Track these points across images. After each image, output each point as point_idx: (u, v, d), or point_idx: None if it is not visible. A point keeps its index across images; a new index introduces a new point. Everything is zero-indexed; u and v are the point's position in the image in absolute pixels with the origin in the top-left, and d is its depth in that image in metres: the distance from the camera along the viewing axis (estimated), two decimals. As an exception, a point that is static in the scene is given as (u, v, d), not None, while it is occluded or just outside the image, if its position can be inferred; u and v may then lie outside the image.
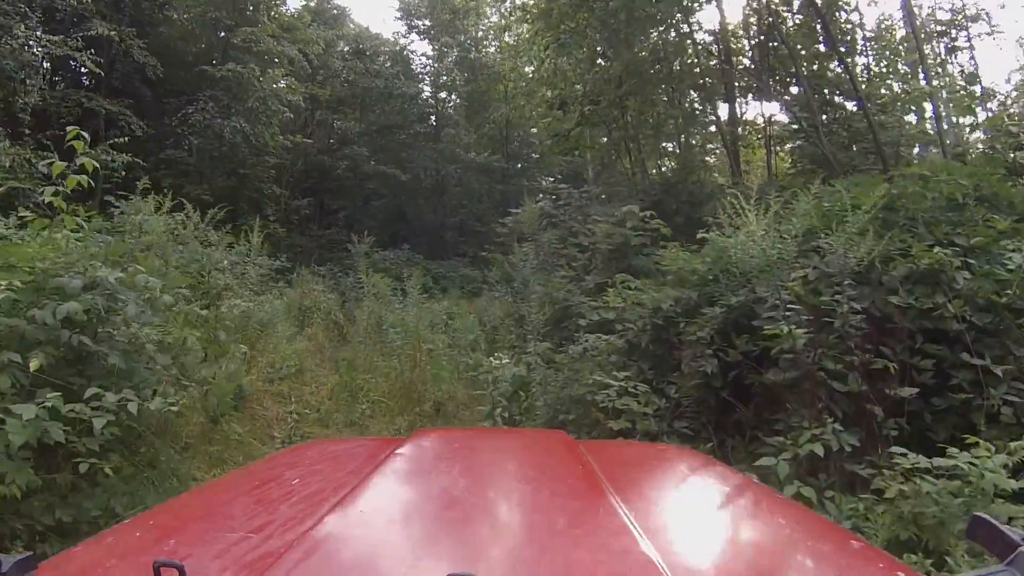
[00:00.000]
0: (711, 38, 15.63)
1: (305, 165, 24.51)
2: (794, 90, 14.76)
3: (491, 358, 7.60)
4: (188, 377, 5.42)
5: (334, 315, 13.83)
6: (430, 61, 29.29)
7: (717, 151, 18.53)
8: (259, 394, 8.44)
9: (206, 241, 10.55)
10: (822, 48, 14.66)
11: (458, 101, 29.52)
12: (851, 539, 1.65)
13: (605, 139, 17.49)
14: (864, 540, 1.69)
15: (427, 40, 29.07)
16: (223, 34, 19.52)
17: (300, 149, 23.73)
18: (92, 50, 14.85)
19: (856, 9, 15.36)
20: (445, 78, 29.13)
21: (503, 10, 28.84)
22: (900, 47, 15.70)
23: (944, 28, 14.78)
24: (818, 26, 13.41)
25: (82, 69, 17.04)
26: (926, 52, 14.95)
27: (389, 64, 28.30)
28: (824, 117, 13.52)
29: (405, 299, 11.55)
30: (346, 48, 27.20)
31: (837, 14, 14.16)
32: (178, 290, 5.56)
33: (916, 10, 15.32)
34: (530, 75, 25.44)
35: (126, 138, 12.04)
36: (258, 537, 1.41)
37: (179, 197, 11.86)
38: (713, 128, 17.47)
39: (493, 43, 29.81)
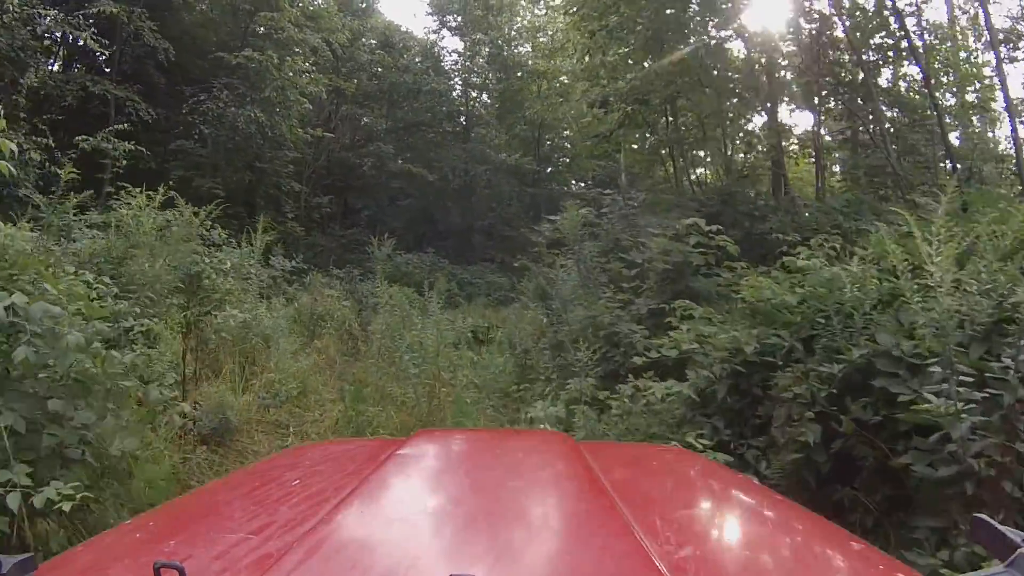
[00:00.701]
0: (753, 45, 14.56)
1: (328, 161, 23.76)
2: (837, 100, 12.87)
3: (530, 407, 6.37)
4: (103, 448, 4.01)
5: (349, 324, 12.70)
6: (461, 58, 28.47)
7: (756, 161, 16.73)
8: (251, 424, 7.41)
9: (208, 240, 9.97)
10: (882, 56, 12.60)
11: (489, 100, 28.81)
12: (851, 540, 1.59)
13: (646, 142, 15.67)
14: (865, 541, 1.60)
15: (458, 36, 28.24)
16: (244, 22, 17.49)
17: (323, 144, 22.94)
18: (95, 30, 14.37)
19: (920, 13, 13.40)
20: (477, 78, 28.49)
21: (536, 11, 29.05)
22: (964, 54, 13.97)
23: (1006, 35, 13.00)
24: (893, 24, 11.58)
25: (97, 53, 16.36)
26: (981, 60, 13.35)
27: (419, 60, 27.50)
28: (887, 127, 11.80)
29: (425, 314, 10.31)
30: (373, 41, 26.35)
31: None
32: (96, 324, 4.14)
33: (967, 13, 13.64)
34: (566, 73, 25.21)
35: (127, 124, 11.88)
36: (258, 538, 1.39)
37: (187, 190, 11.76)
38: (759, 135, 15.29)
39: (526, 44, 29.27)
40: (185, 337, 7.68)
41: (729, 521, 1.79)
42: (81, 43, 14.47)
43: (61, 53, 16.38)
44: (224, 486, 2.09)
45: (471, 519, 1.57)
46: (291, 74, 17.99)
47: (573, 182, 29.75)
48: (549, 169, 28.96)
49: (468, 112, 28.41)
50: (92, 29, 13.65)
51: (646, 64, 13.79)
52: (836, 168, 16.52)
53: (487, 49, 27.24)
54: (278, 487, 1.88)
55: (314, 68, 19.96)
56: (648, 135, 15.59)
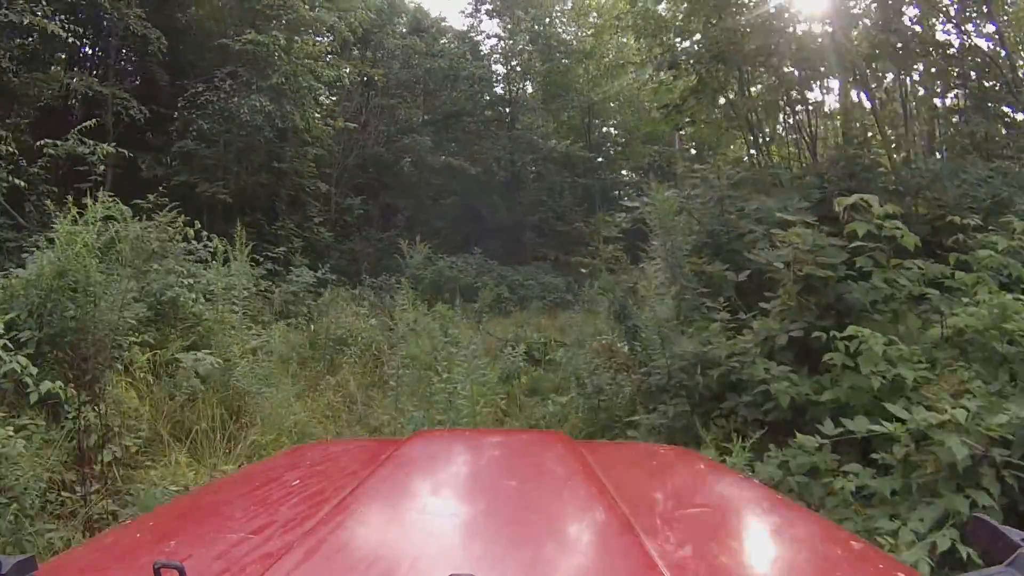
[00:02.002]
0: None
1: (360, 159, 22.23)
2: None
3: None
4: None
5: (376, 348, 10.58)
6: (501, 40, 26.93)
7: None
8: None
9: (196, 254, 8.93)
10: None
11: (532, 86, 27.35)
12: (851, 539, 1.64)
13: (718, 112, 12.86)
14: (864, 540, 1.70)
15: (496, 18, 26.80)
16: (248, 3, 15.83)
17: (353, 140, 21.73)
18: (64, 17, 13.29)
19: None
20: (517, 62, 26.93)
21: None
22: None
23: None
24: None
25: (87, 50, 15.84)
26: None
27: (455, 44, 26.18)
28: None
29: (457, 344, 8.68)
30: (403, 28, 24.98)
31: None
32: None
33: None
34: (615, 52, 24.67)
35: (95, 122, 10.22)
36: (258, 538, 1.42)
37: (188, 197, 10.55)
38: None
39: (572, 24, 27.69)
40: (150, 387, 6.55)
41: (729, 520, 1.76)
42: (71, 41, 12.99)
43: (43, 51, 14.10)
44: (224, 486, 2.13)
45: (471, 519, 1.59)
46: (303, 57, 15.23)
47: (624, 172, 28.73)
48: (599, 158, 27.42)
49: (511, 98, 26.93)
50: (63, 16, 12.85)
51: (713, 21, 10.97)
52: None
53: (529, 25, 25.79)
54: (278, 487, 1.86)
55: (333, 51, 17.31)
56: (722, 102, 12.62)
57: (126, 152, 11.07)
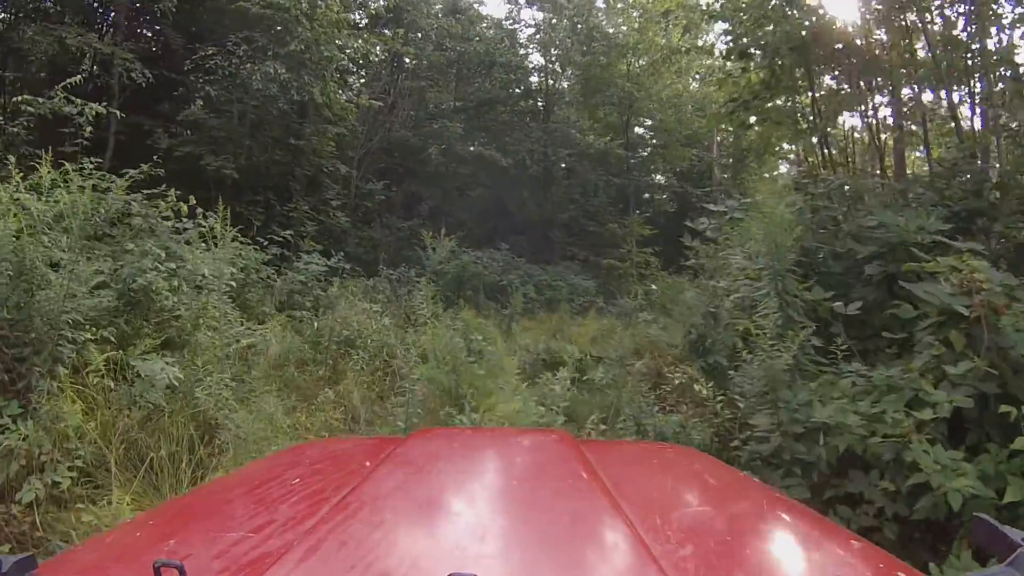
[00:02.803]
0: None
1: (385, 142, 20.17)
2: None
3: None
4: None
5: (387, 353, 9.26)
6: (539, 31, 25.73)
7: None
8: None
9: (183, 235, 7.81)
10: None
11: (570, 78, 26.16)
12: (851, 539, 1.65)
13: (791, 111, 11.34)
14: (865, 540, 1.65)
15: (536, 7, 25.56)
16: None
17: (378, 122, 20.54)
18: None
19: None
20: (556, 53, 25.52)
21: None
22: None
23: None
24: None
25: (99, 10, 14.64)
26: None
27: (492, 30, 25.06)
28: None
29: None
30: (438, 9, 23.66)
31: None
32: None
33: None
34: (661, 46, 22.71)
35: (80, 79, 8.92)
36: (258, 537, 1.43)
37: (190, 171, 11.36)
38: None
39: (615, 18, 26.12)
40: (107, 397, 5.34)
41: (730, 519, 1.76)
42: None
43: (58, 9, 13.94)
44: (224, 485, 2.15)
45: (471, 518, 1.60)
46: (327, 25, 13.74)
47: (659, 176, 28.07)
48: (633, 158, 26.25)
49: (547, 90, 25.89)
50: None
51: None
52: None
53: (570, 15, 24.63)
54: (278, 486, 1.86)
55: (360, 26, 15.89)
56: (793, 101, 11.06)
57: (121, 116, 10.35)
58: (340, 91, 17.00)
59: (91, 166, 6.78)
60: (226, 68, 14.11)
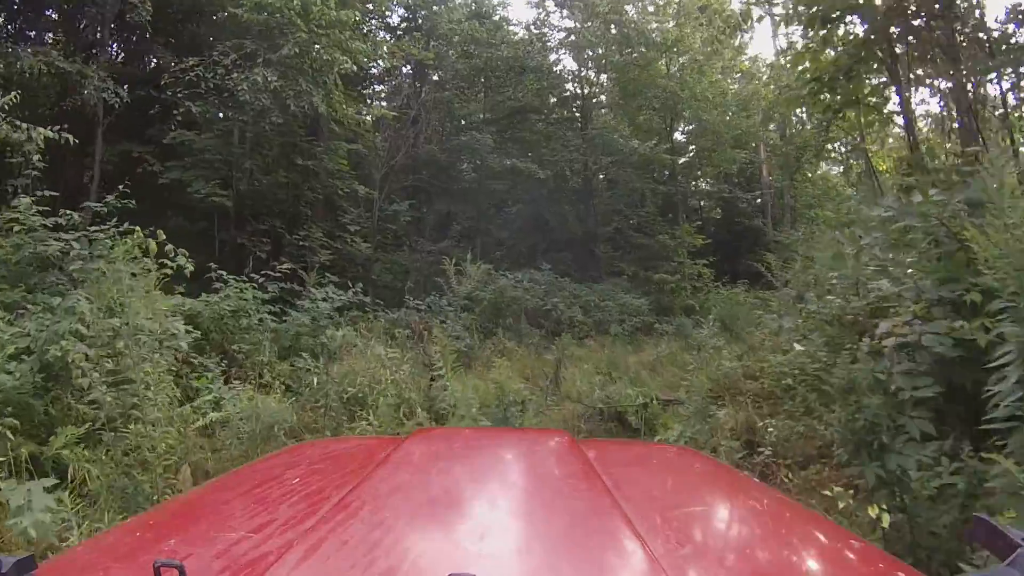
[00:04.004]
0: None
1: (409, 158, 19.46)
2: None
3: None
4: None
5: (403, 413, 7.51)
6: (572, 35, 23.52)
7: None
8: None
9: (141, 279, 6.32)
10: None
11: (609, 80, 24.25)
12: (851, 539, 1.65)
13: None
14: (865, 540, 1.73)
15: (566, 9, 23.65)
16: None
17: (401, 137, 18.82)
18: None
19: None
20: (591, 56, 23.70)
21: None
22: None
23: None
24: None
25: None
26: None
27: (520, 34, 23.55)
28: None
29: None
30: (461, 11, 22.02)
31: None
32: None
33: None
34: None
35: (14, 95, 7.22)
36: (258, 537, 1.44)
37: (177, 198, 10.67)
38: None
39: (652, 14, 24.14)
40: None
41: (730, 519, 1.78)
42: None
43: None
44: (224, 485, 2.09)
45: (471, 518, 1.63)
46: (326, 26, 11.96)
47: (704, 182, 26.25)
48: (680, 161, 24.57)
49: (583, 94, 24.31)
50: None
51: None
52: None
53: (604, 12, 22.49)
54: (278, 486, 1.88)
55: (367, 18, 14.20)
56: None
57: (69, 140, 8.45)
58: (350, 102, 15.23)
59: (26, 201, 6.28)
60: (211, 80, 12.83)
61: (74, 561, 1.46)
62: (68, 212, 6.76)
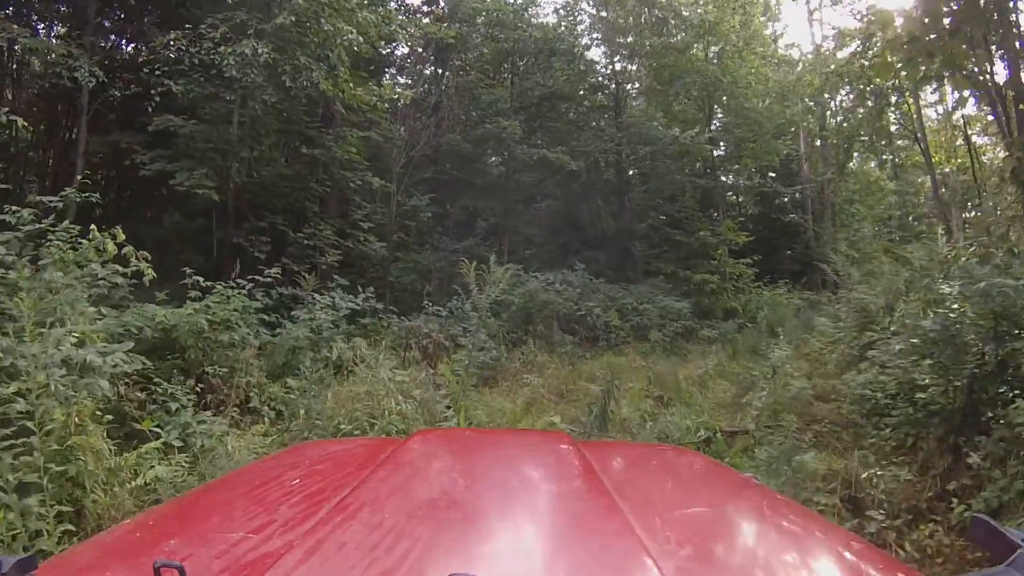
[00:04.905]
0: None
1: (430, 148, 18.16)
2: None
3: None
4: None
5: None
6: (600, 9, 22.09)
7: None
8: None
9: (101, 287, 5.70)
10: None
11: (643, 66, 22.29)
12: (851, 539, 1.74)
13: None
14: (865, 541, 1.80)
15: None
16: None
17: (421, 125, 17.19)
18: None
19: None
20: (624, 41, 21.82)
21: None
22: None
23: None
24: None
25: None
26: None
27: (549, 15, 22.43)
28: None
29: None
30: None
31: None
32: None
33: None
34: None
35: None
36: (258, 537, 1.44)
37: (160, 191, 9.78)
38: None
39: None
40: None
41: (729, 520, 1.78)
42: None
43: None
44: (224, 485, 2.13)
45: (471, 519, 1.62)
46: None
47: (742, 176, 24.96)
48: (718, 155, 23.61)
49: (617, 80, 22.37)
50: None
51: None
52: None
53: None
54: (278, 486, 1.87)
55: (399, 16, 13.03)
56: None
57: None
58: (362, 84, 14.03)
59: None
60: (195, 55, 11.22)
61: (74, 561, 1.48)
62: (15, 208, 5.84)
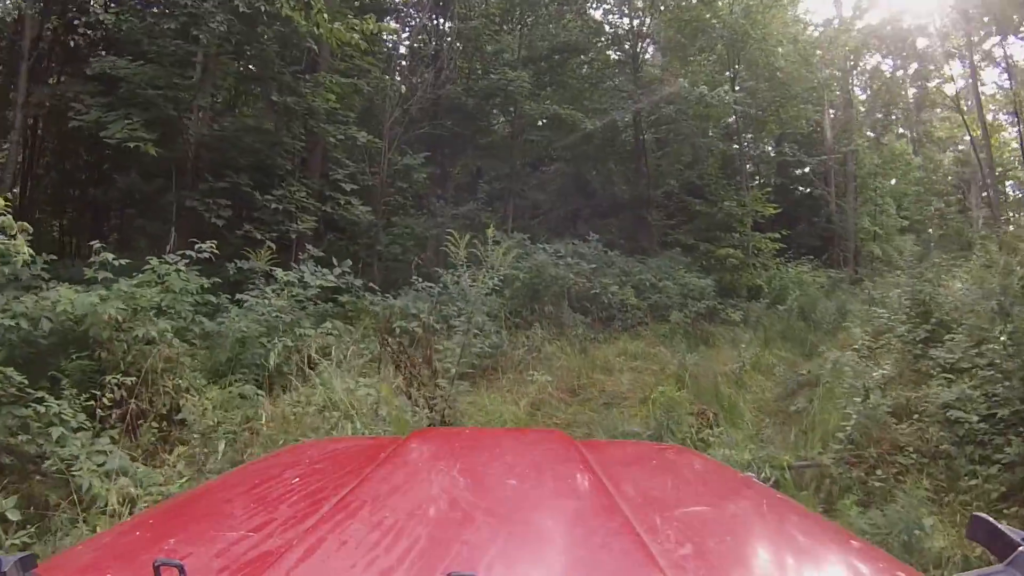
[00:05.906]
0: None
1: (428, 102, 14.93)
2: None
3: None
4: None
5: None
6: None
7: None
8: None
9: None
10: None
11: (659, 20, 20.34)
12: (851, 539, 1.69)
13: None
14: (864, 540, 1.72)
15: None
16: None
17: (417, 75, 15.60)
18: None
19: None
20: None
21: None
22: None
23: None
24: None
25: None
26: None
27: None
28: None
29: None
30: None
31: None
32: None
33: None
34: None
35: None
36: (258, 536, 1.45)
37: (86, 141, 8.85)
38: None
39: None
40: None
41: (729, 519, 1.79)
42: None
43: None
44: (224, 484, 2.13)
45: (471, 518, 1.62)
46: None
47: (765, 143, 23.04)
48: (742, 119, 20.68)
49: (635, 32, 20.46)
50: None
51: None
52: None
53: None
54: (278, 485, 1.90)
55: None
56: None
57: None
58: (342, 19, 11.53)
59: None
60: None
61: (75, 560, 1.46)
62: None
